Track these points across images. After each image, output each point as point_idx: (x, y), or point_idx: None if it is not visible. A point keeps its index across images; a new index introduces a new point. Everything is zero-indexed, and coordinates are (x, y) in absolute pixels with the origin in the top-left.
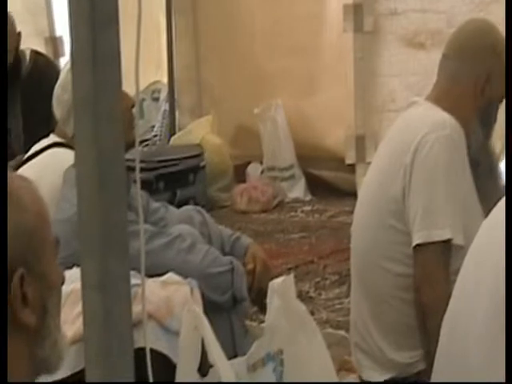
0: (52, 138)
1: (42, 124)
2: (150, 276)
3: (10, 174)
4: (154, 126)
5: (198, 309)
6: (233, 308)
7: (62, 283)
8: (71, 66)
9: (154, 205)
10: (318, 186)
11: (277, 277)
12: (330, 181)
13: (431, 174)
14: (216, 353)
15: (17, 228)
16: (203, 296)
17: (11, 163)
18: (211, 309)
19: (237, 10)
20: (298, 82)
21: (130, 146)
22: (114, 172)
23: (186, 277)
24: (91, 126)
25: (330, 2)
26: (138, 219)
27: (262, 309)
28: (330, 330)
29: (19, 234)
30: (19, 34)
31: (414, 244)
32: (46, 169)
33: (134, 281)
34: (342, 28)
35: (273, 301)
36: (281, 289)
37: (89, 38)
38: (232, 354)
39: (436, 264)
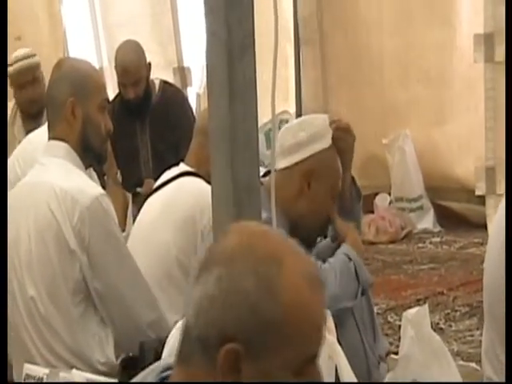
0: (182, 167)
1: (170, 151)
2: None
3: (285, 243)
4: None
5: (332, 337)
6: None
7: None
8: (208, 94)
9: None
10: (446, 217)
11: (408, 308)
12: (459, 212)
13: None
14: (350, 381)
15: (253, 310)
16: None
17: (140, 189)
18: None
19: (365, 40)
20: (427, 112)
21: None
22: (250, 199)
23: None
24: (228, 153)
25: (461, 32)
26: None
27: None
28: (461, 362)
29: (256, 318)
30: (149, 64)
31: None
32: (176, 198)
33: None
34: (472, 58)
35: (406, 331)
36: (415, 319)
37: (225, 67)
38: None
39: None
